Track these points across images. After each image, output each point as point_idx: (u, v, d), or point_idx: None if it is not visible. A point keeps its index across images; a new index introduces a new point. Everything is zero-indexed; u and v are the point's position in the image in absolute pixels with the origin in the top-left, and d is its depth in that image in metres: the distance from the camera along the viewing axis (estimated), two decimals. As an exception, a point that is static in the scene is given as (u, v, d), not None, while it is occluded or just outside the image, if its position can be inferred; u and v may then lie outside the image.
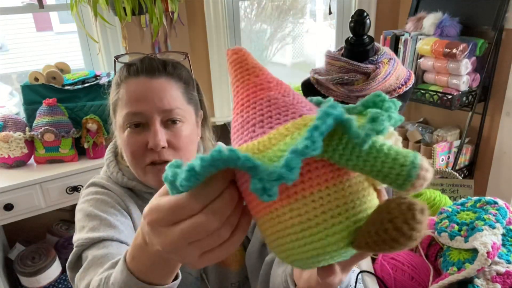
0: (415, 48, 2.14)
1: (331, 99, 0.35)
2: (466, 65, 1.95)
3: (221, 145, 0.32)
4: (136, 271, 0.44)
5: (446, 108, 2.05)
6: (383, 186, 0.36)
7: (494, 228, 0.71)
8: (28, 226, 1.93)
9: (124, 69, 0.76)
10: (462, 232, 0.74)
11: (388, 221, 0.30)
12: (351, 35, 1.34)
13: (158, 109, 0.72)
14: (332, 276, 0.36)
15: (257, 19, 3.49)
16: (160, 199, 0.35)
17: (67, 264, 0.71)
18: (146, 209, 0.36)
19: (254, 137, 0.34)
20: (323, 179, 0.32)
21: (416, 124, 2.41)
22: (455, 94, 1.99)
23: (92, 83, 1.75)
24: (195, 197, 0.33)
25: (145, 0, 1.70)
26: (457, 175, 1.19)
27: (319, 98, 0.38)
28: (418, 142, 2.34)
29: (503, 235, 0.73)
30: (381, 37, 2.34)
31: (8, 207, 1.57)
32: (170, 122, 0.74)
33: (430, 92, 2.09)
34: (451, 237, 0.75)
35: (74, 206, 0.82)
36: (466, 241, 0.72)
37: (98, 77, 1.81)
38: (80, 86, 1.73)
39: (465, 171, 2.30)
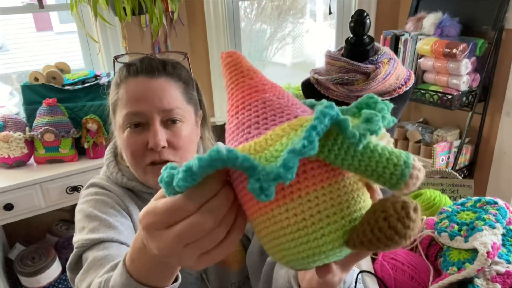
0: (415, 48, 2.14)
1: (324, 101, 0.35)
2: (466, 65, 1.95)
3: (220, 145, 0.32)
4: (136, 274, 0.44)
5: (446, 108, 2.05)
6: (377, 186, 0.36)
7: (494, 228, 0.71)
8: (28, 226, 1.93)
9: (124, 69, 0.76)
10: (462, 232, 0.74)
11: (383, 220, 0.30)
12: (351, 35, 1.34)
13: (158, 109, 0.72)
14: (330, 274, 0.36)
15: (257, 19, 3.49)
16: (157, 202, 0.35)
17: (67, 265, 0.71)
18: (141, 213, 0.36)
19: (250, 138, 0.35)
20: (318, 179, 0.32)
21: (416, 124, 2.41)
22: (455, 94, 1.99)
23: (92, 83, 1.75)
24: (190, 197, 0.33)
25: (145, 0, 1.70)
26: (457, 175, 1.19)
27: (312, 100, 0.39)
28: (418, 142, 2.34)
29: (503, 235, 0.73)
30: (381, 37, 2.34)
31: (8, 207, 1.57)
32: (170, 122, 0.74)
33: (430, 92, 2.09)
34: (451, 237, 0.75)
35: (74, 206, 0.82)
36: (466, 241, 0.72)
37: (98, 77, 1.81)
38: (80, 86, 1.73)
39: (465, 171, 2.30)
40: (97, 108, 1.74)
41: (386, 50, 1.35)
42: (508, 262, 0.69)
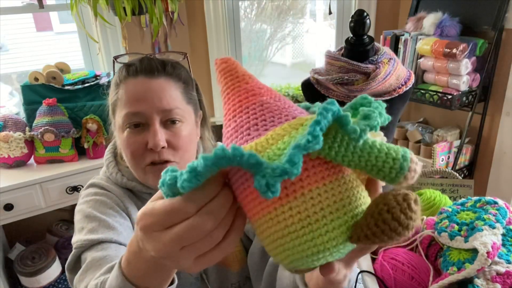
0: (415, 48, 2.14)
1: (318, 103, 0.36)
2: (466, 65, 1.95)
3: (222, 144, 0.32)
4: (131, 277, 0.43)
5: (446, 108, 2.05)
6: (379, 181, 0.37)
7: (494, 228, 0.71)
8: (28, 226, 1.93)
9: (123, 69, 0.76)
10: (462, 232, 0.74)
11: (386, 212, 0.31)
12: (351, 35, 1.34)
13: (157, 109, 0.72)
14: (333, 273, 0.36)
15: (257, 19, 3.49)
16: (154, 203, 0.35)
17: (66, 266, 0.71)
18: (138, 214, 0.36)
19: (250, 140, 0.35)
20: (320, 176, 0.33)
21: (416, 124, 2.41)
22: (455, 94, 1.99)
23: (92, 83, 1.75)
24: (189, 199, 0.33)
25: (145, 0, 1.70)
26: (457, 175, 1.19)
27: (307, 103, 0.40)
28: (418, 142, 2.34)
29: (503, 235, 0.73)
30: (381, 37, 2.34)
31: (8, 207, 1.57)
32: (169, 122, 0.74)
33: (430, 92, 2.09)
34: (451, 237, 0.75)
35: (74, 206, 0.82)
36: (466, 241, 0.72)
37: (98, 77, 1.81)
38: (80, 86, 1.73)
39: (465, 171, 2.30)
40: (97, 108, 1.74)
41: (386, 50, 1.35)
42: (508, 262, 0.69)
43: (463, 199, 0.84)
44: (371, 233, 0.32)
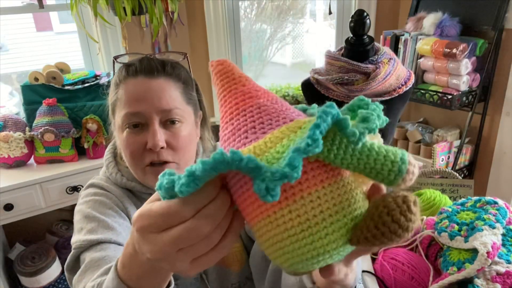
0: (415, 48, 2.14)
1: (315, 106, 0.36)
2: (466, 65, 1.95)
3: (220, 148, 0.32)
4: (127, 280, 0.43)
5: (446, 108, 2.05)
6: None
7: (494, 228, 0.71)
8: (28, 226, 1.93)
9: (123, 69, 0.76)
10: (462, 232, 0.74)
11: (386, 214, 0.31)
12: (351, 35, 1.34)
13: (157, 109, 0.71)
14: (334, 275, 0.36)
15: (257, 19, 3.49)
16: (151, 205, 0.35)
17: (65, 266, 0.71)
18: (135, 215, 0.36)
19: (248, 143, 0.35)
20: (319, 179, 0.33)
21: (416, 124, 2.41)
22: (455, 94, 1.99)
23: (92, 83, 1.75)
24: (187, 202, 0.33)
25: (145, 0, 1.70)
26: (457, 175, 1.19)
27: (304, 105, 0.40)
28: (418, 142, 2.34)
29: (503, 235, 0.73)
30: (381, 37, 2.34)
31: (8, 207, 1.57)
32: (169, 122, 0.73)
33: (430, 92, 2.08)
34: (451, 237, 0.75)
35: (74, 206, 0.82)
36: (466, 241, 0.72)
37: (98, 77, 1.81)
38: (80, 86, 1.73)
39: (465, 171, 2.30)
40: (97, 108, 1.74)
41: (386, 50, 1.35)
42: (508, 262, 0.69)
43: (463, 199, 0.84)
44: (371, 236, 0.32)
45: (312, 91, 1.42)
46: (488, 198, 0.80)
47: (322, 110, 0.31)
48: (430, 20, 2.07)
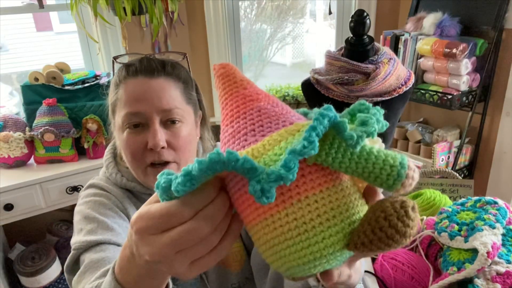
0: (415, 48, 2.14)
1: (316, 110, 0.36)
2: (466, 65, 1.95)
3: (217, 149, 0.32)
4: (125, 283, 0.43)
5: (446, 108, 2.04)
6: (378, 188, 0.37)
7: (494, 228, 0.71)
8: (28, 226, 1.93)
9: (123, 69, 0.76)
10: (462, 232, 0.74)
11: (383, 219, 0.31)
12: (351, 35, 1.34)
13: (157, 109, 0.71)
14: (333, 280, 0.36)
15: (257, 19, 3.49)
16: (150, 206, 0.35)
17: (64, 267, 0.71)
18: (134, 217, 0.36)
19: (247, 146, 0.35)
20: (317, 183, 0.33)
21: (416, 124, 2.41)
22: (455, 94, 1.99)
23: (92, 83, 1.75)
24: (186, 203, 0.33)
25: (145, 0, 1.70)
26: (457, 175, 1.19)
27: (305, 109, 0.40)
28: (418, 142, 2.33)
29: (503, 235, 0.73)
30: (381, 37, 2.34)
31: (8, 207, 1.57)
32: (169, 122, 0.73)
33: (430, 92, 2.08)
34: (451, 237, 0.75)
35: (74, 206, 0.82)
36: (466, 241, 0.72)
37: (98, 77, 1.81)
38: (80, 86, 1.73)
39: (465, 171, 2.30)
40: (97, 108, 1.74)
41: (386, 50, 1.35)
42: (508, 262, 0.69)
43: (463, 199, 0.84)
44: (368, 241, 0.31)
45: (312, 91, 1.42)
46: (488, 198, 0.80)
47: (319, 113, 0.31)
48: (430, 20, 2.07)
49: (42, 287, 1.76)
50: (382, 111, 0.35)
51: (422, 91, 2.11)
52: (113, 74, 0.79)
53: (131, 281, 0.42)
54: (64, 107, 1.70)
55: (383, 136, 1.38)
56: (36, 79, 1.70)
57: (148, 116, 0.71)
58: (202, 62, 2.29)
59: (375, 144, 0.36)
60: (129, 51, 2.05)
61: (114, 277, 0.44)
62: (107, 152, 0.86)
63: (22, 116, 1.78)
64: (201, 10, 2.17)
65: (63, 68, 1.83)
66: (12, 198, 1.57)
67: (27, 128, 1.70)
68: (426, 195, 1.01)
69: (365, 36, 1.33)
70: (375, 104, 1.32)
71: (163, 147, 0.72)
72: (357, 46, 1.33)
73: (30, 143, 1.69)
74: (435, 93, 2.06)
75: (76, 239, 0.70)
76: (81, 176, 1.69)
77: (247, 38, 3.43)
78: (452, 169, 2.12)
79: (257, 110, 0.36)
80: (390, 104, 1.35)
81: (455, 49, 1.90)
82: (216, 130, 0.95)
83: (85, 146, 1.73)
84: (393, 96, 1.34)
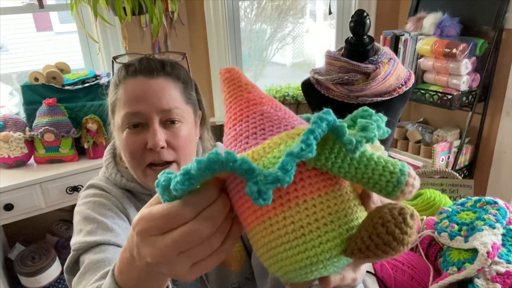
0: (415, 48, 2.14)
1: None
2: (466, 65, 1.95)
3: (220, 145, 0.32)
4: (124, 285, 0.43)
5: (446, 108, 2.04)
6: (373, 194, 0.37)
7: (494, 228, 0.71)
8: (28, 226, 1.93)
9: (122, 69, 0.76)
10: (462, 232, 0.74)
11: (380, 225, 0.31)
12: (351, 35, 1.34)
13: (156, 109, 0.71)
14: (329, 286, 0.36)
15: (257, 19, 3.49)
16: (152, 208, 0.35)
17: (64, 268, 0.71)
18: (135, 219, 0.36)
19: (248, 148, 0.35)
20: (315, 187, 0.32)
21: (416, 124, 2.41)
22: (455, 94, 1.99)
23: (92, 83, 1.75)
24: (188, 204, 0.33)
25: (145, 0, 1.70)
26: (457, 175, 1.19)
27: (308, 115, 0.40)
28: (418, 142, 2.33)
29: (503, 235, 0.73)
30: (381, 37, 2.34)
31: (8, 207, 1.57)
32: (169, 122, 0.73)
33: (430, 92, 2.08)
34: (451, 237, 0.75)
35: (74, 206, 0.82)
36: (466, 241, 0.72)
37: (98, 77, 1.81)
38: (80, 86, 1.73)
39: (465, 171, 2.30)
40: (97, 108, 1.74)
41: (386, 50, 1.35)
42: (508, 262, 0.69)
43: (463, 199, 0.84)
44: (365, 247, 0.31)
45: (312, 91, 1.42)
46: (488, 198, 0.80)
47: (318, 116, 0.31)
48: (430, 20, 2.07)
49: (42, 287, 1.76)
50: (385, 118, 0.35)
51: (422, 91, 2.11)
52: (113, 74, 0.79)
53: (131, 284, 0.42)
54: (64, 107, 1.70)
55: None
56: (36, 79, 1.70)
57: (148, 116, 0.71)
58: (202, 62, 2.29)
59: (377, 152, 0.36)
60: (129, 51, 2.05)
61: (114, 279, 0.44)
62: (107, 152, 0.86)
63: (22, 116, 1.78)
64: (201, 10, 2.17)
65: (63, 68, 1.83)
66: (12, 198, 1.57)
67: (27, 128, 1.70)
68: (426, 195, 1.01)
69: (365, 36, 1.33)
70: (375, 104, 1.32)
71: (162, 147, 0.72)
72: (357, 46, 1.33)
73: (30, 143, 1.69)
74: (435, 93, 2.06)
75: (76, 240, 0.70)
76: (81, 176, 1.69)
77: (247, 38, 3.43)
78: (452, 169, 2.12)
79: (260, 113, 0.37)
80: (390, 104, 1.35)
81: (455, 49, 1.90)
82: (215, 130, 0.95)
83: (85, 146, 1.73)
84: (393, 96, 1.34)
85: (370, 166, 0.32)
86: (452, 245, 0.74)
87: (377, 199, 0.37)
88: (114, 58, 0.85)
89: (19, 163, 1.68)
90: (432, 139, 2.29)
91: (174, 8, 2.05)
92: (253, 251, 0.80)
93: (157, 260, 0.34)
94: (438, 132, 2.28)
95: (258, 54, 3.61)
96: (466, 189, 1.14)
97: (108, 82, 0.81)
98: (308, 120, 0.39)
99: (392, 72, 1.31)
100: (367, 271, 0.83)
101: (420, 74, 2.17)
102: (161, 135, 0.71)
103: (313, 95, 1.43)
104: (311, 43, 3.87)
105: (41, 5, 1.82)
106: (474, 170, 2.33)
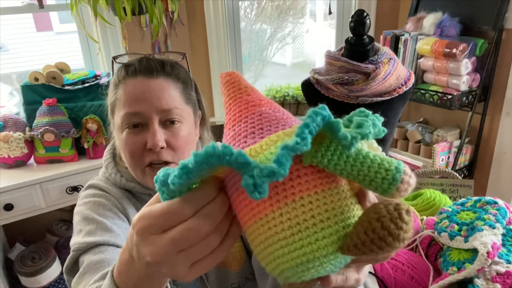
0: (415, 48, 2.14)
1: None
2: (466, 65, 1.95)
3: (212, 142, 0.32)
4: (123, 286, 0.43)
5: (446, 108, 2.04)
6: (369, 192, 0.37)
7: (494, 228, 0.71)
8: (28, 226, 1.93)
9: (122, 69, 0.76)
10: (462, 232, 0.74)
11: (376, 221, 0.31)
12: (351, 35, 1.34)
13: (156, 109, 0.71)
14: (330, 285, 0.36)
15: (257, 19, 3.49)
16: (152, 206, 0.35)
17: (64, 269, 0.71)
18: (135, 218, 0.36)
19: (246, 147, 0.35)
20: (312, 184, 0.33)
21: (416, 124, 2.41)
22: (455, 94, 1.99)
23: (92, 83, 1.75)
24: (186, 202, 0.33)
25: (145, 0, 1.70)
26: (457, 175, 1.19)
27: None
28: (418, 142, 2.33)
29: (503, 235, 0.73)
30: (381, 37, 2.34)
31: (8, 207, 1.57)
32: (168, 122, 0.73)
33: (430, 92, 2.08)
34: (451, 237, 0.75)
35: (74, 206, 0.82)
36: (466, 241, 0.72)
37: (98, 77, 1.81)
38: (80, 86, 1.73)
39: (465, 171, 2.30)
40: (97, 108, 1.74)
41: (386, 50, 1.35)
42: (508, 262, 0.69)
43: (463, 199, 0.84)
44: (360, 243, 0.31)
45: (312, 91, 1.42)
46: (488, 198, 0.80)
47: (312, 111, 0.31)
48: (430, 20, 2.07)
49: (42, 287, 1.76)
50: (382, 119, 0.35)
51: (422, 91, 2.11)
52: (113, 74, 0.79)
53: (130, 285, 0.42)
54: (64, 107, 1.70)
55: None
56: (36, 79, 1.70)
57: (147, 116, 0.71)
58: (202, 62, 2.30)
59: (376, 152, 0.36)
60: (129, 51, 2.05)
61: (113, 280, 0.43)
62: (107, 152, 0.86)
63: (22, 116, 1.78)
64: (201, 10, 2.17)
65: (63, 68, 1.83)
66: (12, 198, 1.57)
67: (27, 128, 1.70)
68: (426, 195, 1.01)
69: (365, 36, 1.33)
70: (375, 104, 1.32)
71: (162, 147, 0.72)
72: (357, 46, 1.33)
73: (30, 143, 1.69)
74: (435, 93, 2.06)
75: (75, 240, 0.70)
76: (81, 176, 1.69)
77: (247, 38, 3.43)
78: (452, 169, 2.12)
79: (258, 114, 0.37)
80: (390, 104, 1.35)
81: (455, 49, 1.90)
82: (215, 130, 0.95)
83: (85, 146, 1.73)
84: (393, 96, 1.34)
85: (365, 163, 0.32)
86: (452, 245, 0.74)
87: (373, 198, 0.37)
88: (114, 58, 0.85)
89: (19, 163, 1.68)
90: (432, 139, 2.29)
91: (174, 8, 2.05)
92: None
93: (157, 259, 0.34)
94: (438, 132, 2.28)
95: (258, 54, 3.61)
96: (466, 189, 1.14)
97: (108, 82, 0.81)
98: None
99: (392, 72, 1.31)
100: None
101: (420, 74, 2.17)
102: (160, 135, 0.71)
103: (313, 95, 1.43)
104: (311, 43, 3.87)
105: (41, 5, 1.82)
106: (474, 170, 2.33)
